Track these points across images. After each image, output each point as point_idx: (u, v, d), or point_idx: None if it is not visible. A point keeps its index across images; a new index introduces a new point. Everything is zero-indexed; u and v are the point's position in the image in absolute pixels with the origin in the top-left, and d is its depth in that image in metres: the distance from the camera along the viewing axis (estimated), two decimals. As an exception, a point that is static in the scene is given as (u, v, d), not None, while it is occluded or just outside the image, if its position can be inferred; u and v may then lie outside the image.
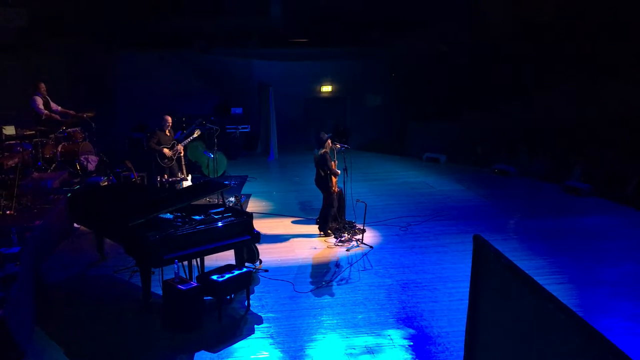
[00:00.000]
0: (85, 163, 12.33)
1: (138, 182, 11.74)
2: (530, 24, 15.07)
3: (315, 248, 9.31)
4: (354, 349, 6.22)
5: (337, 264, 8.57)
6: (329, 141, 9.58)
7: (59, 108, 12.73)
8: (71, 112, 12.86)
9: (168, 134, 11.23)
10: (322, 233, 9.75)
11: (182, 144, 11.37)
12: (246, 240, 7.54)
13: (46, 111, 12.39)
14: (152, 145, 11.08)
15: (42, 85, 12.51)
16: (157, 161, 11.10)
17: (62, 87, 15.40)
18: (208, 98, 17.26)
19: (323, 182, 9.59)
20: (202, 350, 6.18)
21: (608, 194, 11.93)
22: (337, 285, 7.83)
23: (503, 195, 12.39)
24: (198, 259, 7.46)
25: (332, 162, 9.58)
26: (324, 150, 9.50)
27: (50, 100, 12.61)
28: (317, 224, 9.90)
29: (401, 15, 17.39)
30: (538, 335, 3.51)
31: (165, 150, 11.08)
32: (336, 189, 9.73)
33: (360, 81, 18.26)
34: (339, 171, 9.64)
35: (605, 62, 13.47)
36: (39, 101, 12.34)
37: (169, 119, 11.24)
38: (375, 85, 18.40)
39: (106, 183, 11.30)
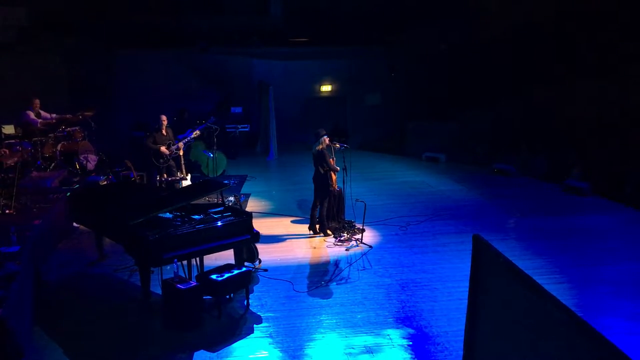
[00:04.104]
0: (84, 162, 12.32)
1: (137, 181, 11.74)
2: (530, 23, 15.07)
3: (314, 247, 9.31)
4: (353, 348, 6.22)
5: (336, 264, 8.57)
6: (326, 138, 9.57)
7: (50, 115, 12.72)
8: (67, 115, 12.86)
9: (165, 133, 11.24)
10: (321, 233, 9.74)
11: (180, 144, 11.36)
12: (245, 240, 7.53)
13: (40, 120, 12.44)
14: (149, 144, 11.11)
15: (37, 102, 12.60)
16: (152, 161, 11.13)
17: (62, 86, 15.42)
18: (208, 97, 17.23)
19: (321, 180, 9.58)
20: (202, 350, 6.18)
21: (607, 193, 11.92)
22: (337, 284, 7.83)
23: (502, 194, 12.39)
24: (197, 259, 7.46)
25: (331, 159, 9.58)
26: (321, 146, 9.49)
27: (40, 112, 12.65)
28: (310, 229, 9.88)
29: (401, 15, 17.40)
30: (537, 334, 3.51)
31: (163, 149, 11.08)
32: (336, 187, 9.71)
33: (360, 80, 18.25)
34: (338, 168, 9.64)
35: (605, 62, 13.47)
36: (31, 114, 12.43)
37: (164, 118, 11.25)
38: (375, 85, 18.39)
39: (105, 182, 11.29)
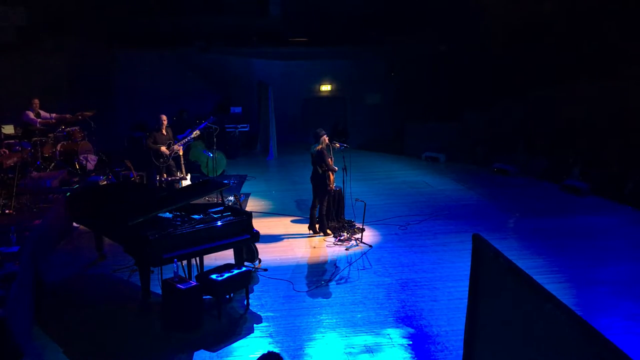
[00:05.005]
0: (84, 162, 12.33)
1: (137, 181, 11.73)
2: (530, 24, 15.08)
3: (314, 247, 9.31)
4: (353, 348, 6.22)
5: (336, 263, 8.57)
6: (326, 137, 9.58)
7: (50, 115, 12.75)
8: (67, 115, 12.87)
9: (165, 133, 11.24)
10: (321, 232, 9.75)
11: (179, 144, 11.36)
12: (245, 240, 7.54)
13: (39, 119, 12.47)
14: (149, 144, 11.12)
15: (36, 101, 12.64)
16: (153, 161, 11.14)
17: (62, 86, 15.42)
18: (208, 97, 17.25)
19: (319, 179, 9.58)
20: (202, 350, 6.18)
21: (606, 193, 11.93)
22: (336, 284, 7.84)
23: (502, 194, 12.40)
24: (197, 258, 7.46)
25: (330, 159, 9.58)
26: (320, 146, 9.50)
27: (40, 112, 12.68)
28: (309, 228, 9.88)
29: (400, 15, 17.41)
30: (537, 334, 3.52)
31: (163, 149, 11.08)
32: (333, 186, 9.71)
33: (360, 80, 18.25)
34: (336, 167, 9.64)
35: (605, 62, 13.47)
36: (31, 114, 12.45)
37: (165, 118, 11.25)
38: (375, 85, 18.39)
39: (105, 182, 11.29)
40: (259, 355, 3.44)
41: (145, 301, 6.95)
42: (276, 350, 6.12)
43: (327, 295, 7.53)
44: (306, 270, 8.43)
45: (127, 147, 15.20)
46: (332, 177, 9.64)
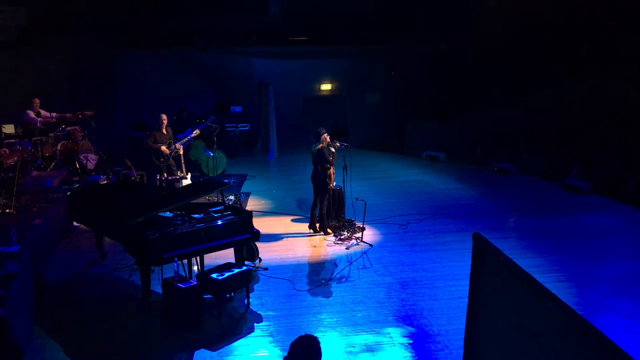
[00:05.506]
0: (84, 161, 12.33)
1: (137, 180, 11.73)
2: (530, 23, 15.08)
3: (314, 246, 9.31)
4: (353, 347, 6.22)
5: (336, 262, 8.57)
6: (327, 136, 9.57)
7: (50, 114, 12.76)
8: (67, 114, 12.88)
9: (165, 132, 11.24)
10: (321, 232, 9.75)
11: (179, 144, 11.36)
12: (246, 239, 7.54)
13: (40, 119, 12.48)
14: (150, 143, 11.11)
15: (37, 101, 12.67)
16: (153, 160, 11.14)
17: (62, 86, 15.43)
18: (208, 97, 17.25)
19: (320, 178, 9.58)
20: (202, 349, 6.18)
21: (607, 192, 11.92)
22: (337, 283, 7.84)
23: (502, 193, 12.39)
24: (198, 258, 7.46)
25: (330, 158, 9.55)
26: (320, 145, 9.49)
27: (40, 112, 12.69)
28: (310, 227, 9.88)
29: (400, 15, 17.41)
30: (537, 333, 3.52)
31: (163, 148, 11.08)
32: (332, 185, 9.70)
33: (360, 80, 18.26)
34: (334, 153, 9.54)
35: (605, 62, 13.47)
36: (31, 114, 12.47)
37: (165, 117, 11.25)
38: (375, 84, 18.40)
39: (105, 182, 11.29)
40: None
41: (146, 300, 6.95)
42: (276, 349, 6.15)
43: (327, 294, 7.53)
44: (306, 269, 8.43)
45: (127, 146, 15.19)
46: (332, 176, 9.63)
